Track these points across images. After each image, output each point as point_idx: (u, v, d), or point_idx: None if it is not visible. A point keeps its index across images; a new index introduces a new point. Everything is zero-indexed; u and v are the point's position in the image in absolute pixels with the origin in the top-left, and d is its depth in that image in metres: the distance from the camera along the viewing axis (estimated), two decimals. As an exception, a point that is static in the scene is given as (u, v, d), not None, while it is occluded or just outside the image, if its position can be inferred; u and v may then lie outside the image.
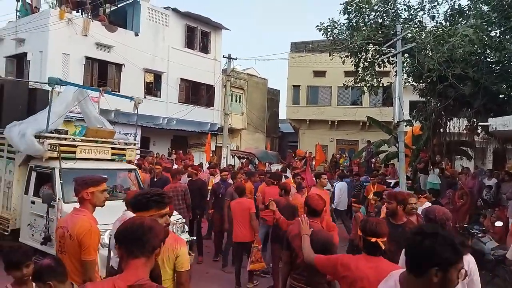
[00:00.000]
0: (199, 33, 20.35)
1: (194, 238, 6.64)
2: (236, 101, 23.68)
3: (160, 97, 18.73)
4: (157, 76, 18.64)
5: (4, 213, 6.47)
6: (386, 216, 4.07)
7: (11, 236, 6.18)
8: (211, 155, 16.88)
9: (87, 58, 15.95)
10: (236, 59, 19.28)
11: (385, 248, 2.57)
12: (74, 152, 6.14)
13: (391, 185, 10.64)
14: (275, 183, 7.08)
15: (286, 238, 3.47)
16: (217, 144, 20.56)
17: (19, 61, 16.25)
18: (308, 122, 24.79)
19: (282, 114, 28.78)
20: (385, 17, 12.06)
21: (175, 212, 6.08)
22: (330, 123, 24.26)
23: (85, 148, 6.30)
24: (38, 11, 16.35)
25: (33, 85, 8.34)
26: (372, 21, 12.02)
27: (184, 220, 6.31)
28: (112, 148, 6.74)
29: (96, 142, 6.52)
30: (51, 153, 5.87)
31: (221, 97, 21.01)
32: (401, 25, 11.24)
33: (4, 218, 6.40)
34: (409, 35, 11.12)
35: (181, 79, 19.48)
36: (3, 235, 6.32)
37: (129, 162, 7.30)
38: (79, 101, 7.04)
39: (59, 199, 5.50)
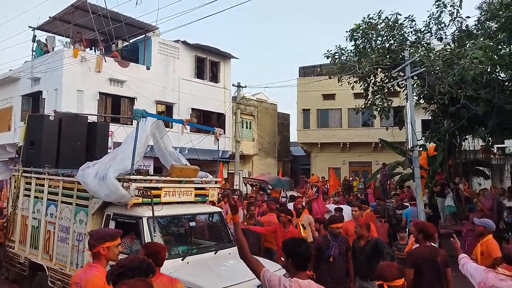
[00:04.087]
0: (208, 63, 20.74)
1: None
2: (246, 128, 23.83)
3: (172, 128, 18.88)
4: (169, 107, 18.91)
5: (72, 271, 5.24)
6: None
7: None
8: (223, 182, 16.85)
9: (100, 93, 16.34)
10: (245, 87, 19.49)
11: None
12: (159, 196, 5.21)
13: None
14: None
15: None
16: (229, 171, 20.56)
17: (35, 99, 16.69)
18: (319, 145, 24.72)
19: (293, 137, 28.84)
20: (392, 42, 12.13)
21: None
22: (341, 145, 24.15)
23: (170, 190, 5.40)
24: (53, 50, 16.93)
25: (92, 119, 7.68)
26: (379, 46, 12.09)
27: None
28: (195, 188, 5.86)
29: (180, 182, 5.62)
30: (136, 199, 4.98)
31: (232, 124, 21.16)
32: (409, 49, 11.25)
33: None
34: (418, 59, 11.15)
35: (192, 108, 19.70)
36: None
37: (212, 203, 6.26)
38: (159, 138, 6.26)
39: None
